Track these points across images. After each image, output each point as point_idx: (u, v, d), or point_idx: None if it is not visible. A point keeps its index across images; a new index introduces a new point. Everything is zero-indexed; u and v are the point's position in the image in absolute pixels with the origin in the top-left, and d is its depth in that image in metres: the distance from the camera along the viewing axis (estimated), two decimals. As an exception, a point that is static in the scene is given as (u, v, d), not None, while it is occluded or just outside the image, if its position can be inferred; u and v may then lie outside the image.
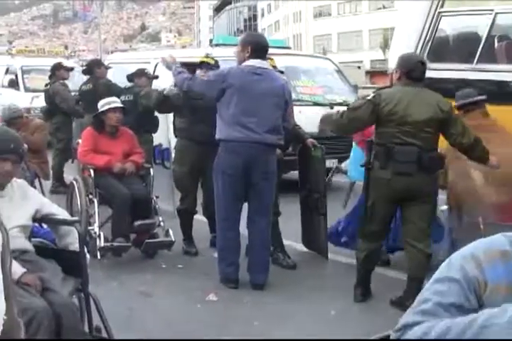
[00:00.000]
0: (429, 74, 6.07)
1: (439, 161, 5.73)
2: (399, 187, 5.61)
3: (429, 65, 6.67)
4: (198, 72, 7.21)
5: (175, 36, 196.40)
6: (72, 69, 11.92)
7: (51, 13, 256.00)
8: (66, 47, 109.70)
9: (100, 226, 7.07)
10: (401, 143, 5.58)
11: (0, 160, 4.01)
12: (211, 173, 6.42)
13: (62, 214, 4.51)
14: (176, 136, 7.63)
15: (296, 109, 7.76)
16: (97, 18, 64.63)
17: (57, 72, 11.30)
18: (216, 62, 7.42)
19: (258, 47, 6.29)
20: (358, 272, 6.04)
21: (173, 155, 8.92)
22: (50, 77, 11.45)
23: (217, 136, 6.27)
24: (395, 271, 6.63)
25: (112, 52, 57.60)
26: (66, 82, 11.39)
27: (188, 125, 7.20)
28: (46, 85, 11.47)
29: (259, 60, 6.27)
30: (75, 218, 4.48)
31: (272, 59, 7.16)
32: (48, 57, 23.29)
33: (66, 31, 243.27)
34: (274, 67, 7.05)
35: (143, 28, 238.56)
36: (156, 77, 10.14)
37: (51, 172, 9.96)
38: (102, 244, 6.85)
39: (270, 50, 6.62)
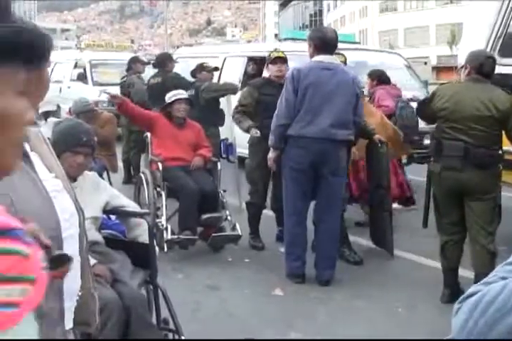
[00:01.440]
0: (499, 69, 6.00)
1: (493, 158, 5.63)
2: (448, 182, 5.66)
3: (500, 60, 6.57)
4: (271, 66, 7.26)
5: (240, 31, 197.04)
6: (148, 63, 12.03)
7: (118, 8, 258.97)
8: (132, 42, 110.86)
9: (167, 219, 7.12)
10: (450, 138, 5.61)
11: (72, 153, 4.06)
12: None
13: (132, 206, 4.56)
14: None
15: (363, 105, 7.70)
16: (163, 12, 65.13)
17: (134, 65, 11.42)
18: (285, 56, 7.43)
19: (323, 43, 6.26)
20: (442, 270, 5.98)
21: (238, 150, 8.98)
22: (127, 70, 11.59)
23: (287, 132, 6.25)
24: (464, 269, 6.53)
25: (177, 47, 58.00)
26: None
27: (260, 120, 7.20)
28: (122, 78, 11.61)
29: (326, 56, 6.24)
30: (145, 210, 4.53)
31: (342, 54, 7.13)
32: (116, 52, 23.46)
33: (132, 26, 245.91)
34: (344, 62, 7.02)
35: (208, 22, 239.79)
36: (217, 69, 10.14)
37: (120, 164, 10.07)
38: (169, 237, 6.90)
39: (339, 45, 6.58)
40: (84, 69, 18.28)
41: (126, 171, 11.19)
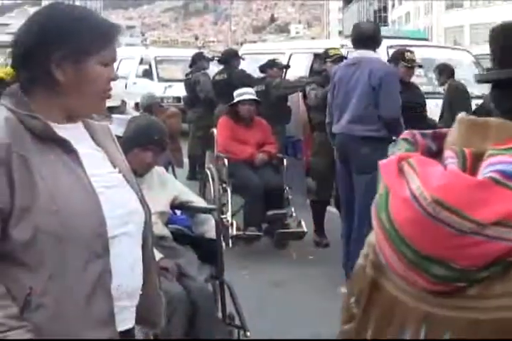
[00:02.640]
0: None
1: None
2: None
3: None
4: (330, 64, 7.35)
5: (304, 27, 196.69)
6: (212, 59, 12.07)
7: (182, 5, 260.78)
8: (196, 39, 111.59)
9: (233, 215, 7.15)
10: None
11: (142, 150, 4.06)
12: None
13: (199, 201, 4.56)
14: (314, 129, 7.64)
15: (432, 102, 7.60)
16: (228, 9, 65.47)
17: (199, 61, 11.47)
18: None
19: (355, 37, 6.26)
20: None
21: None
22: (190, 67, 11.65)
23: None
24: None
25: (241, 44, 58.14)
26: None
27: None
28: (187, 74, 11.67)
29: (360, 50, 6.22)
30: (213, 206, 4.52)
31: (411, 51, 7.07)
32: (180, 48, 23.64)
33: (196, 23, 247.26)
34: (413, 60, 6.97)
35: (272, 19, 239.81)
36: (288, 67, 10.14)
37: (186, 160, 10.13)
38: (235, 233, 6.92)
39: (408, 42, 6.53)
40: (150, 66, 18.46)
41: (191, 167, 11.24)
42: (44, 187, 1.85)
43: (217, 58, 11.47)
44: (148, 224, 2.15)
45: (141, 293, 2.11)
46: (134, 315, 2.11)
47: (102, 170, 2.03)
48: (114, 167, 2.09)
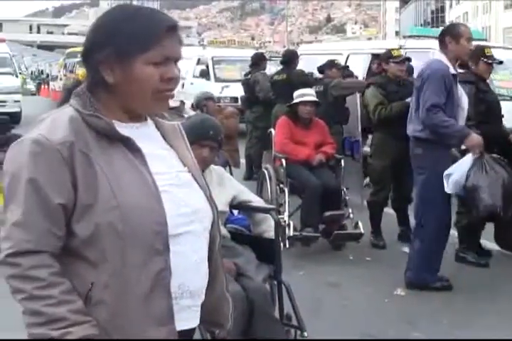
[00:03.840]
0: None
1: None
2: None
3: None
4: (393, 65, 7.25)
5: (360, 28, 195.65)
6: (269, 59, 12.13)
7: (239, 6, 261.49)
8: (252, 39, 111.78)
9: (290, 216, 7.15)
10: None
11: (198, 146, 4.07)
12: (409, 168, 6.33)
13: (258, 201, 4.57)
14: (373, 130, 7.63)
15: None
16: (284, 9, 65.46)
17: (260, 62, 11.52)
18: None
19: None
20: None
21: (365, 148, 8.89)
22: (250, 67, 11.70)
23: None
24: None
25: (297, 44, 58.01)
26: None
27: (388, 120, 7.15)
28: (246, 75, 11.73)
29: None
30: (272, 206, 4.53)
31: (489, 47, 7.05)
32: (237, 49, 23.72)
33: (253, 23, 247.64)
34: (493, 56, 6.90)
35: (328, 19, 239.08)
36: (347, 68, 10.11)
37: (243, 160, 10.16)
38: (291, 233, 6.92)
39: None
40: (207, 66, 18.56)
41: (248, 167, 11.27)
42: (105, 183, 1.88)
43: (273, 58, 11.52)
44: (216, 224, 2.15)
45: (203, 292, 2.09)
46: (197, 315, 2.09)
47: (169, 168, 2.04)
48: (184, 166, 2.10)
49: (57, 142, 1.87)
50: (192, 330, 2.11)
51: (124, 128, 1.99)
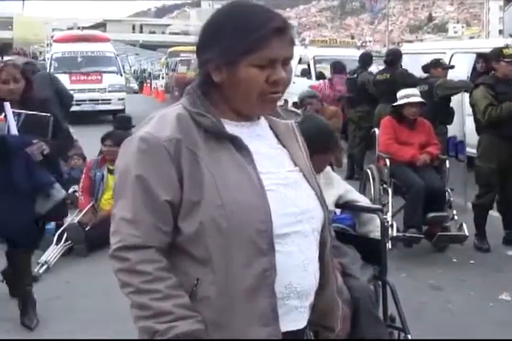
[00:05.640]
0: None
1: None
2: None
3: None
4: (503, 64, 7.11)
5: (462, 27, 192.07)
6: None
7: (338, 5, 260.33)
8: (352, 38, 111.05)
9: (393, 216, 7.09)
10: None
11: (320, 155, 3.97)
12: None
13: (364, 201, 4.54)
14: (480, 132, 7.45)
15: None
16: (385, 9, 64.82)
17: (369, 61, 11.54)
18: None
19: None
20: None
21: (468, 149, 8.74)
22: (359, 67, 11.69)
23: None
24: None
25: (398, 43, 57.39)
26: None
27: (498, 121, 7.00)
28: (352, 74, 11.69)
29: None
30: (378, 206, 4.49)
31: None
32: (339, 48, 23.64)
33: (352, 22, 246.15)
34: None
35: (430, 18, 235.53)
36: (452, 67, 9.97)
37: (344, 160, 10.15)
38: (395, 234, 6.87)
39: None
40: (308, 65, 18.56)
41: (350, 167, 11.23)
42: (211, 181, 1.89)
43: (377, 58, 11.46)
44: (327, 226, 2.13)
45: (312, 294, 2.06)
46: (304, 316, 2.05)
47: (278, 168, 2.02)
48: (295, 165, 2.09)
49: (163, 139, 1.90)
50: (299, 331, 2.07)
51: (233, 127, 2.00)
